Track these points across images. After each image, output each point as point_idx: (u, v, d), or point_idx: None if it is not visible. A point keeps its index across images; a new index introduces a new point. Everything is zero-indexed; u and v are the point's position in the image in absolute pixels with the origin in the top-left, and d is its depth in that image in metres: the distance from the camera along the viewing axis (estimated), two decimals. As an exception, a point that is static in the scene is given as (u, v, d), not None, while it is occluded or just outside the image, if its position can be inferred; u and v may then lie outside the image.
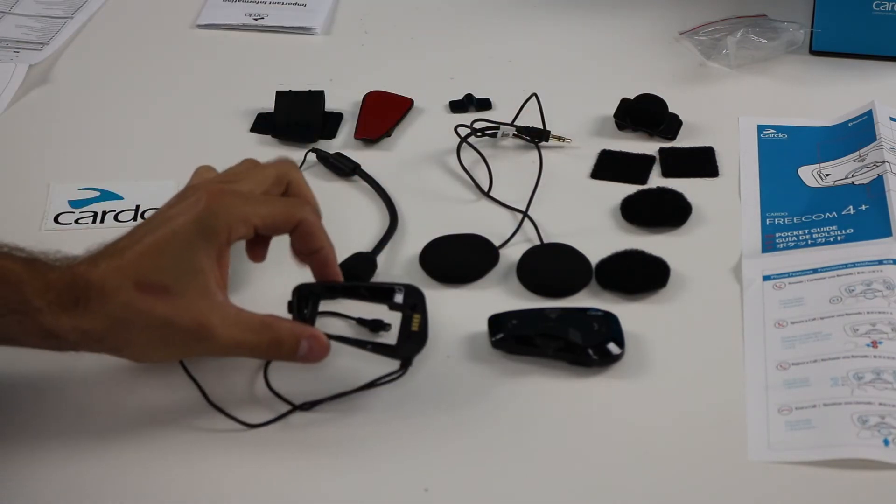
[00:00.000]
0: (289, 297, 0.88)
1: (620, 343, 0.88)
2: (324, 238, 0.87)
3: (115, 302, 0.80)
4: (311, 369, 0.86)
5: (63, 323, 0.79)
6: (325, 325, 0.90)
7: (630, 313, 0.93)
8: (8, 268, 0.80)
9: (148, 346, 0.82)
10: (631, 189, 1.04)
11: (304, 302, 0.87)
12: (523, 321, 0.89)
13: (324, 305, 0.90)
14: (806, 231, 0.99)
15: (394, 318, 0.89)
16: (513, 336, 0.89)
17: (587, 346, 0.87)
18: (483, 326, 0.91)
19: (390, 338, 0.89)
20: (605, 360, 0.88)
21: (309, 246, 0.86)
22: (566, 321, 0.88)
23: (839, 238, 0.98)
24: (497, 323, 0.89)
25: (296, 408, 0.85)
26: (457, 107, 1.15)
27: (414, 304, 0.87)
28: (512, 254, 0.98)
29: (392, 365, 0.87)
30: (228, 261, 0.85)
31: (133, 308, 0.80)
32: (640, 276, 0.95)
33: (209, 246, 0.82)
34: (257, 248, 0.89)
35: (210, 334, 0.81)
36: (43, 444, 0.84)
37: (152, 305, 0.80)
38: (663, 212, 1.01)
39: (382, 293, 0.88)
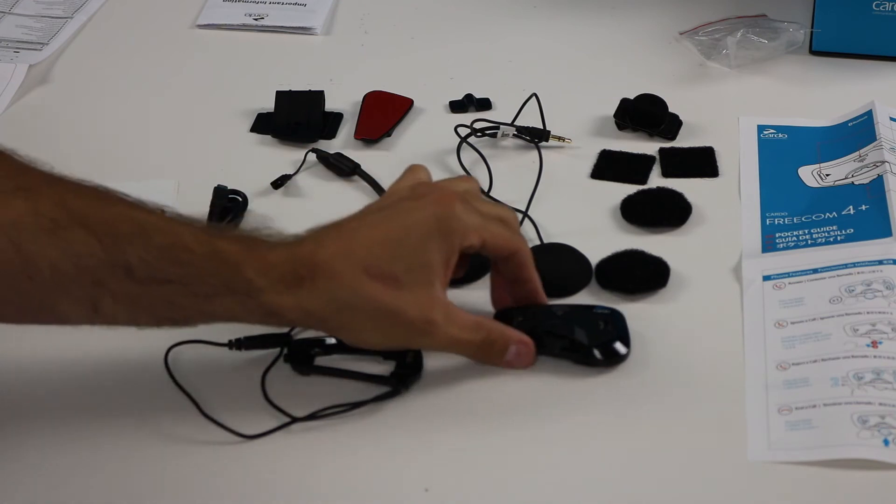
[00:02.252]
0: None
1: (626, 342, 0.88)
2: (533, 271, 0.89)
3: (343, 285, 0.80)
4: (311, 383, 0.87)
5: (285, 302, 0.80)
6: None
7: (630, 313, 0.93)
8: (226, 249, 0.79)
9: (370, 332, 0.83)
10: (631, 189, 1.04)
11: (509, 317, 0.88)
12: (529, 318, 0.88)
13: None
14: (806, 231, 0.99)
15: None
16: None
17: (593, 345, 0.87)
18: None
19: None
20: (611, 360, 0.87)
21: (519, 275, 0.88)
22: (572, 319, 0.88)
23: (839, 238, 0.98)
24: (503, 319, 0.89)
25: (294, 420, 0.85)
26: (457, 107, 1.15)
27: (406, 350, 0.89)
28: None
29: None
30: (454, 265, 0.85)
31: (361, 294, 0.80)
32: (640, 276, 0.95)
33: (444, 245, 0.83)
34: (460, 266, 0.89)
35: (433, 329, 0.83)
36: (35, 457, 0.84)
37: (381, 294, 0.80)
38: (663, 212, 1.01)
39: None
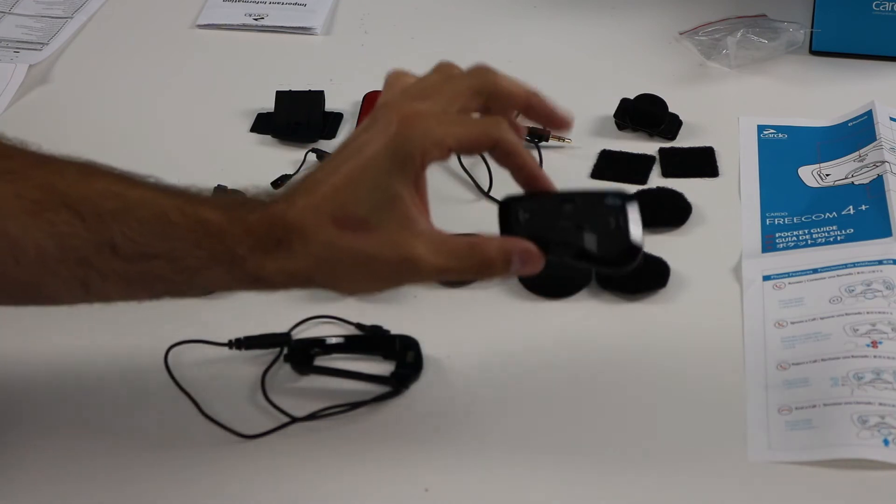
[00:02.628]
0: (280, 298, 0.87)
1: (638, 237, 0.78)
2: (525, 155, 0.82)
3: (317, 241, 0.77)
4: (311, 383, 0.87)
5: (269, 267, 0.78)
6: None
7: (630, 313, 0.93)
8: (209, 218, 0.78)
9: (357, 281, 0.80)
10: (631, 189, 1.04)
11: (513, 213, 0.81)
12: (534, 216, 0.80)
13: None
14: (806, 231, 0.99)
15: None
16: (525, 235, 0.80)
17: (602, 254, 0.78)
18: (483, 328, 0.91)
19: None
20: (623, 264, 0.78)
21: (510, 164, 0.82)
22: (582, 219, 0.79)
23: (839, 238, 0.98)
24: (506, 213, 0.81)
25: (294, 420, 0.85)
26: (457, 107, 1.15)
27: (406, 346, 0.88)
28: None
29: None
30: (426, 184, 0.81)
31: (335, 246, 0.77)
32: (640, 276, 0.95)
33: (404, 172, 0.78)
34: None
35: (416, 265, 0.77)
36: (35, 457, 0.84)
37: (353, 241, 0.77)
38: (663, 212, 1.01)
39: (379, 345, 0.89)
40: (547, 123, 0.85)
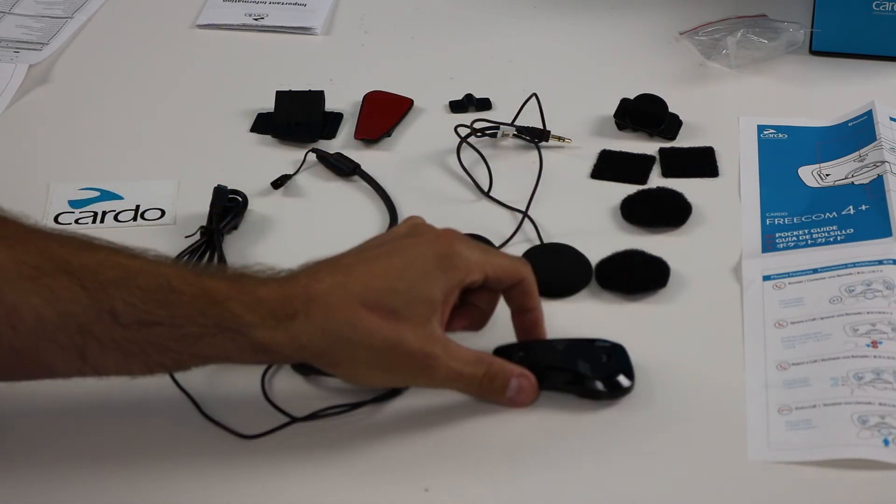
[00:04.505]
0: None
1: (630, 375, 0.86)
2: (538, 300, 0.87)
3: (339, 317, 0.78)
4: (311, 383, 0.87)
5: (278, 337, 0.78)
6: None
7: (630, 313, 0.93)
8: (214, 287, 0.78)
9: (368, 367, 0.81)
10: (631, 189, 1.04)
11: (509, 354, 0.87)
12: (530, 353, 0.87)
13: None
14: (806, 231, 0.99)
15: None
16: None
17: (596, 378, 0.85)
18: (484, 329, 0.91)
19: None
20: (615, 393, 0.86)
21: (524, 304, 0.87)
22: (574, 353, 0.87)
23: (839, 238, 0.98)
24: (503, 355, 0.87)
25: (294, 420, 0.85)
26: (457, 107, 1.15)
27: None
28: (512, 254, 0.98)
29: None
30: (452, 305, 0.83)
31: (358, 326, 0.78)
32: (640, 276, 0.95)
33: (446, 281, 0.81)
34: (471, 313, 0.88)
35: (434, 363, 0.81)
36: (35, 457, 0.84)
37: (379, 326, 0.79)
38: (663, 212, 1.01)
39: None
40: (520, 318, 0.88)
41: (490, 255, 0.85)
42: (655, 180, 1.06)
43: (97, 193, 1.05)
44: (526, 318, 0.88)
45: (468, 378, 0.83)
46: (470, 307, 0.87)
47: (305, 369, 0.88)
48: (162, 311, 0.77)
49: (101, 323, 0.76)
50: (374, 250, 0.82)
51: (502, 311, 0.93)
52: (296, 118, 1.13)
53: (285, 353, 0.80)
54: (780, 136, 1.10)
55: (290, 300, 0.78)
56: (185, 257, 0.96)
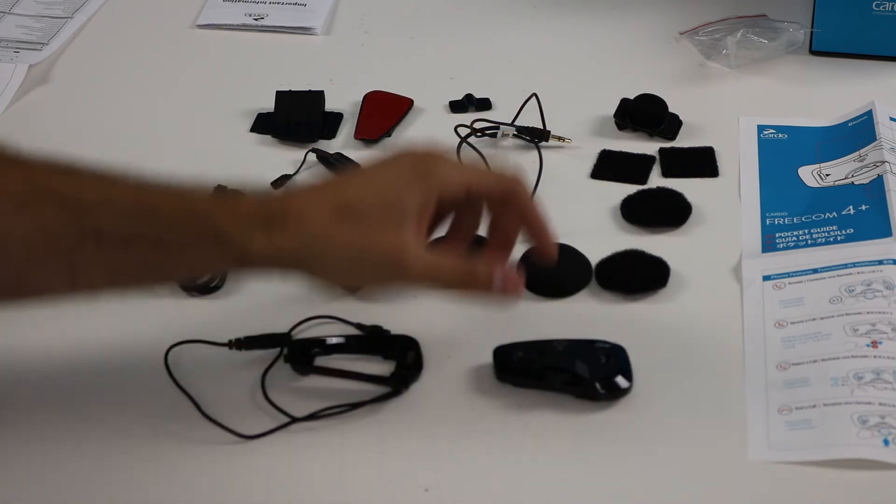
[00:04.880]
0: (280, 298, 0.90)
1: (628, 376, 0.86)
2: (538, 211, 0.85)
3: (313, 224, 0.80)
4: (311, 383, 0.87)
5: (256, 245, 0.79)
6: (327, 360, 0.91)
7: (630, 313, 0.93)
8: (195, 203, 0.80)
9: (342, 272, 0.82)
10: (631, 189, 1.04)
11: (507, 354, 0.87)
12: (529, 353, 0.87)
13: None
14: (806, 231, 0.99)
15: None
16: (518, 369, 0.87)
17: (594, 379, 0.86)
18: (483, 328, 0.91)
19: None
20: (613, 394, 0.86)
21: (525, 218, 0.85)
22: (573, 354, 0.87)
23: (839, 238, 0.98)
24: (502, 355, 0.88)
25: (294, 420, 0.85)
26: (457, 107, 1.15)
27: (406, 346, 0.89)
28: (512, 253, 0.98)
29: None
30: (431, 221, 0.83)
31: (328, 232, 0.80)
32: (640, 276, 0.95)
33: (422, 189, 0.81)
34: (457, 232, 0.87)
35: (404, 265, 0.80)
36: (35, 457, 0.84)
37: (349, 233, 0.79)
38: (663, 212, 1.01)
39: (379, 345, 0.90)
40: (527, 233, 0.87)
41: (474, 170, 0.85)
42: (655, 180, 1.06)
43: (97, 193, 1.05)
44: (532, 232, 0.86)
45: (447, 271, 0.82)
46: (456, 228, 0.86)
47: (305, 369, 0.88)
48: (145, 230, 0.79)
49: (86, 244, 0.78)
50: (355, 170, 0.85)
51: (501, 313, 0.93)
52: (296, 118, 1.13)
53: (263, 262, 0.81)
54: (780, 136, 1.10)
55: (268, 213, 0.80)
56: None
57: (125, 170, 0.81)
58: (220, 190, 0.97)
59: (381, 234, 0.80)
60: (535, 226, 0.86)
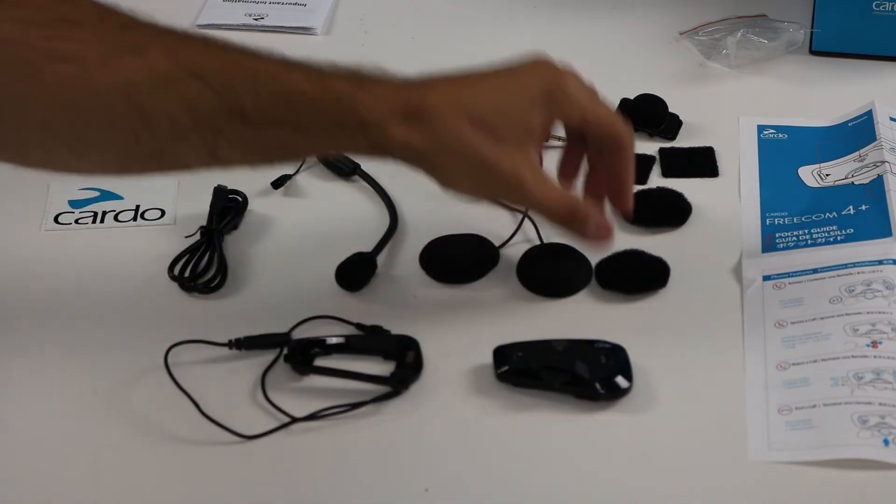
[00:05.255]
0: (280, 298, 0.90)
1: (628, 376, 0.86)
2: (632, 171, 0.90)
3: (448, 128, 0.83)
4: (311, 383, 0.87)
5: (394, 135, 0.82)
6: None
7: (630, 313, 0.93)
8: (337, 87, 0.82)
9: (463, 178, 0.85)
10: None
11: (508, 353, 0.88)
12: (529, 353, 0.87)
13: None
14: (806, 231, 0.99)
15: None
16: (518, 369, 0.87)
17: (594, 379, 0.86)
18: (483, 328, 0.91)
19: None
20: (613, 394, 0.86)
21: (615, 169, 0.90)
22: (573, 354, 0.87)
23: (839, 238, 0.98)
24: (502, 355, 0.88)
25: (294, 420, 0.85)
26: (457, 107, 1.15)
27: (406, 346, 0.89)
28: (512, 254, 0.98)
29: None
30: (548, 135, 0.89)
31: (464, 140, 0.83)
32: (640, 276, 0.95)
33: (548, 111, 0.86)
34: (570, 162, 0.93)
35: (523, 188, 0.86)
36: (35, 457, 0.84)
37: (480, 143, 0.83)
38: (663, 212, 1.01)
39: (379, 345, 0.90)
40: (609, 182, 0.92)
41: (597, 101, 0.88)
42: (655, 180, 1.06)
43: (97, 193, 1.05)
44: (613, 184, 0.91)
45: (556, 204, 0.88)
46: (567, 162, 0.93)
47: (305, 369, 0.88)
48: (288, 112, 0.81)
49: (231, 124, 0.80)
50: (488, 72, 0.86)
51: (500, 310, 0.93)
52: (296, 118, 1.12)
53: (396, 152, 0.84)
54: (780, 136, 1.10)
55: (407, 105, 0.83)
56: (186, 257, 0.96)
57: (259, 47, 0.83)
58: (222, 191, 0.98)
59: (509, 153, 0.84)
60: (626, 182, 0.90)
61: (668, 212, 1.01)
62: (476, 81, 0.86)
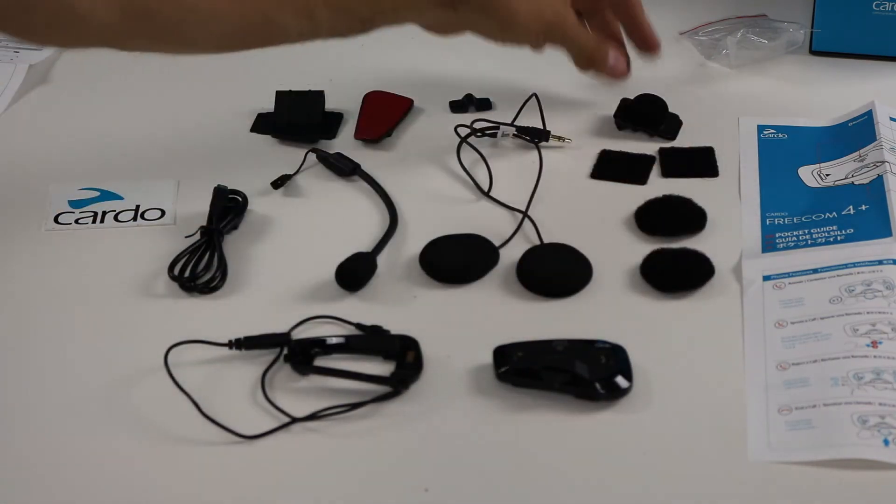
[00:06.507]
0: (280, 299, 0.90)
1: (628, 376, 0.86)
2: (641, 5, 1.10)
3: None
4: (311, 383, 0.87)
5: None
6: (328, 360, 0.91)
7: (630, 313, 0.93)
8: None
9: (521, 2, 1.02)
10: (631, 189, 1.04)
11: (508, 352, 0.88)
12: (529, 353, 0.87)
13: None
14: (806, 231, 0.99)
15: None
16: (518, 369, 0.87)
17: (594, 379, 0.86)
18: (483, 328, 0.91)
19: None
20: (613, 394, 0.86)
21: (629, 8, 1.10)
22: (573, 354, 0.87)
23: (839, 238, 0.98)
24: (502, 355, 0.87)
25: (294, 420, 0.85)
26: (457, 107, 1.15)
27: (406, 346, 0.89)
28: (512, 254, 0.98)
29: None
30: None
31: None
32: (679, 220, 0.99)
33: None
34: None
35: (565, 22, 1.05)
36: (35, 457, 0.84)
37: None
38: (681, 221, 1.00)
39: (379, 345, 0.89)
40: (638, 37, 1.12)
41: None
42: (655, 180, 1.06)
43: (97, 193, 1.05)
44: (635, 23, 1.10)
45: (583, 44, 1.06)
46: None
47: (305, 369, 0.88)
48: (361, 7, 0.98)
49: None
50: None
51: (500, 310, 0.93)
52: (296, 118, 1.13)
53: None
54: (780, 136, 1.10)
55: None
56: (186, 257, 0.96)
57: None
58: (222, 191, 1.00)
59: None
60: (638, 16, 1.10)
61: (687, 220, 1.00)
62: None
